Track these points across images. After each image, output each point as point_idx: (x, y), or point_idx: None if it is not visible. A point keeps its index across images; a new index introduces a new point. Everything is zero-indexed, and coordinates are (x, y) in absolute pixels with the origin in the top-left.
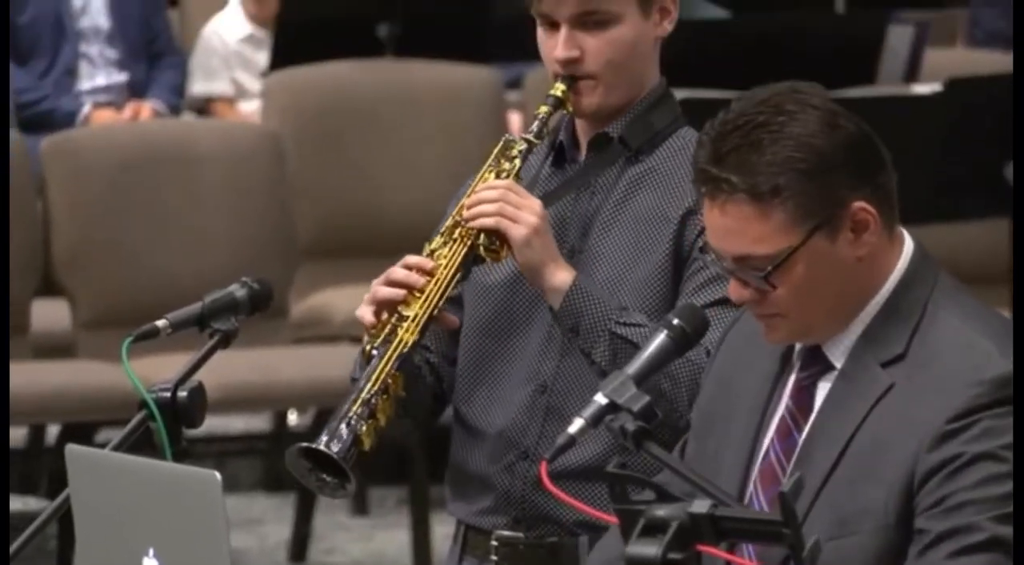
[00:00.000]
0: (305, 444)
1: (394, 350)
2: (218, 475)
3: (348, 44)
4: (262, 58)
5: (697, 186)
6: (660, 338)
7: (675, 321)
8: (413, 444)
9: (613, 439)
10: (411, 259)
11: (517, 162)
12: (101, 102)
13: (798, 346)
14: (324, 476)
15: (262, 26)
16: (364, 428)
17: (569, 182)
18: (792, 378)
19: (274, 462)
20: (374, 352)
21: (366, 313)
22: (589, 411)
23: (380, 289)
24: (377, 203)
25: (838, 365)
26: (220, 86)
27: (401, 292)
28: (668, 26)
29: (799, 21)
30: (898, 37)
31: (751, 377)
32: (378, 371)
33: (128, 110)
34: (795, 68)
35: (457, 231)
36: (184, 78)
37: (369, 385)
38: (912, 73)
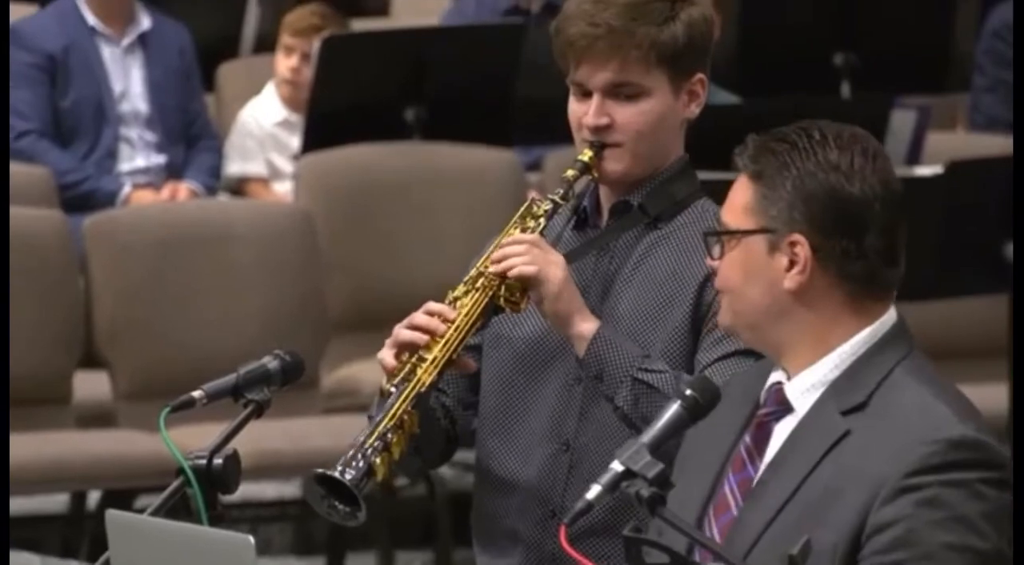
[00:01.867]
0: (320, 470)
1: (412, 389)
2: (252, 539)
3: (376, 128)
4: (295, 141)
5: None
6: (674, 408)
7: (688, 392)
8: (439, 508)
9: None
10: (433, 306)
11: (542, 221)
12: (140, 183)
13: (766, 384)
14: (337, 504)
15: (295, 110)
16: (378, 460)
17: (589, 243)
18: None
19: (305, 527)
20: (392, 389)
21: (387, 356)
22: (606, 478)
23: (402, 332)
24: (404, 279)
25: (797, 408)
26: (255, 167)
27: (423, 337)
28: (695, 109)
29: (806, 105)
30: (901, 121)
31: (725, 419)
32: (395, 408)
33: (166, 191)
34: None
35: (480, 281)
36: (220, 160)
37: (386, 420)
38: (915, 156)
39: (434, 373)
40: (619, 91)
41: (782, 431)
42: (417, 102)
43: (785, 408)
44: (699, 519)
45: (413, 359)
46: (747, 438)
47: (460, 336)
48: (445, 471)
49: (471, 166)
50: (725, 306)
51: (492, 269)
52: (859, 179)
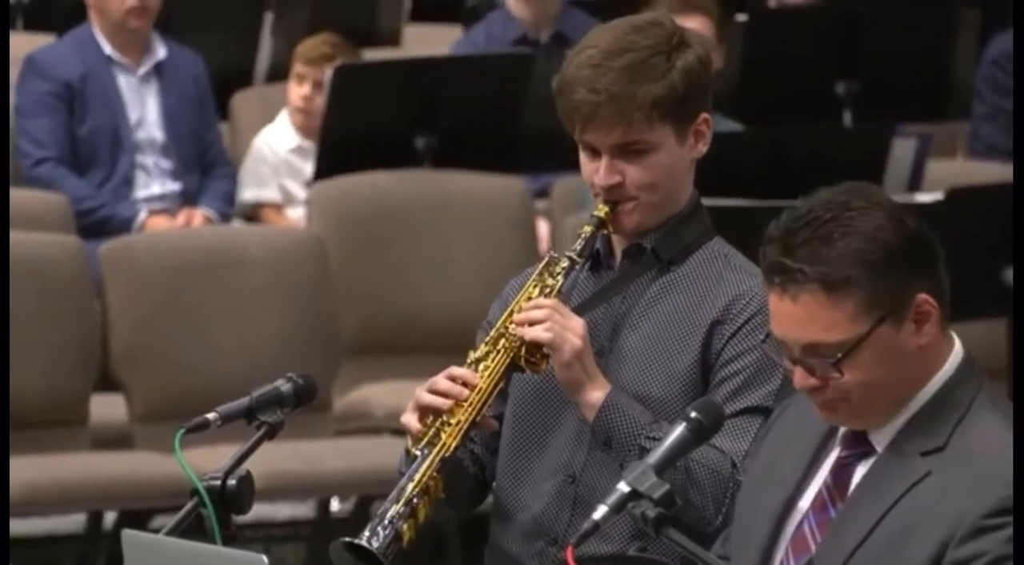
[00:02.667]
0: (349, 539)
1: (437, 453)
2: (265, 559)
3: (388, 155)
4: (308, 167)
5: (768, 278)
6: (679, 430)
7: (693, 414)
8: (450, 531)
9: (636, 526)
10: (456, 371)
11: (560, 279)
12: (156, 209)
13: (841, 429)
14: None
15: (308, 138)
16: (405, 526)
17: (604, 292)
18: (833, 456)
19: (317, 547)
20: (417, 453)
21: (411, 420)
22: (613, 498)
23: (424, 396)
24: (414, 303)
25: (879, 449)
26: (269, 193)
27: (446, 402)
28: (703, 147)
29: (809, 134)
30: (902, 149)
31: (787, 456)
32: (420, 473)
33: (181, 217)
34: (804, 178)
35: (501, 342)
36: (234, 186)
37: (412, 486)
38: (916, 182)
39: (458, 437)
40: (627, 149)
41: (863, 471)
42: (427, 130)
43: (867, 449)
44: (768, 555)
45: (437, 423)
46: (828, 478)
47: (483, 399)
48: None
49: (480, 193)
50: (843, 409)
51: (513, 329)
52: (905, 217)
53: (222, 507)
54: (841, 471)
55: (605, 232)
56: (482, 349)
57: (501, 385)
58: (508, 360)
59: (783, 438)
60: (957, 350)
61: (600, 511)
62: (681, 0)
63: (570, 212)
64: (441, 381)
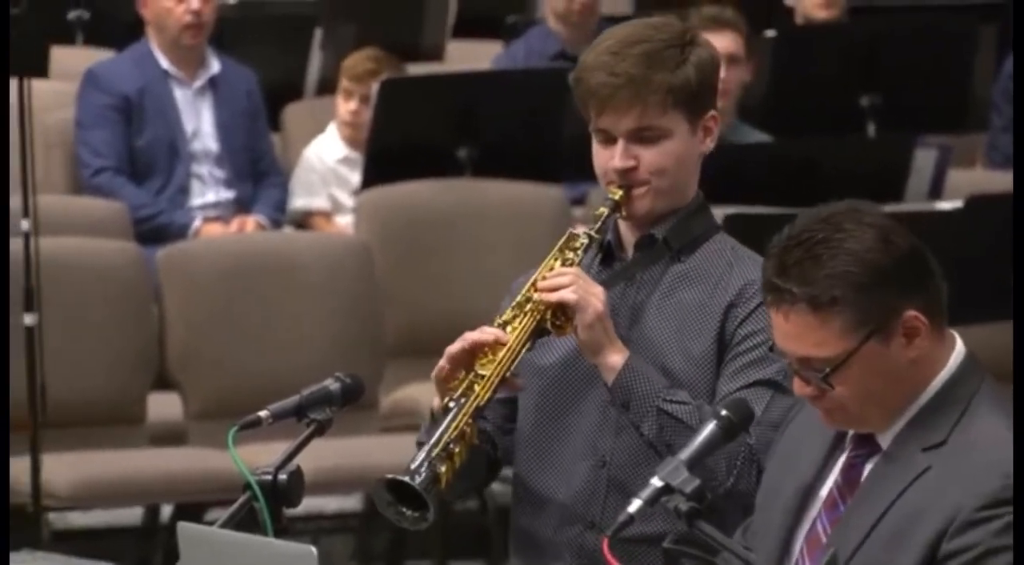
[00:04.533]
0: (390, 476)
1: (471, 403)
2: (314, 550)
3: (431, 165)
4: (356, 177)
5: (764, 294)
6: (711, 427)
7: (724, 412)
8: (490, 522)
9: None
10: (487, 329)
11: (580, 253)
12: (211, 217)
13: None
14: (404, 509)
15: (356, 149)
16: (443, 468)
17: (620, 273)
18: (843, 457)
19: (365, 538)
20: (451, 404)
21: (441, 372)
22: (646, 492)
23: (455, 345)
24: (455, 307)
25: (885, 447)
26: (318, 202)
27: (483, 335)
28: (710, 144)
29: (834, 144)
30: (923, 159)
31: (803, 456)
32: (457, 420)
33: (235, 224)
34: (830, 187)
35: (528, 306)
36: (285, 195)
37: (449, 431)
38: (936, 191)
39: (490, 390)
40: (642, 135)
41: (872, 468)
42: (469, 141)
43: (874, 449)
44: (783, 554)
45: (470, 376)
46: (838, 478)
47: (512, 356)
48: (496, 487)
49: (519, 201)
50: (840, 416)
51: (538, 296)
52: (894, 236)
53: (273, 501)
54: (850, 471)
55: (619, 215)
56: (508, 313)
57: (529, 345)
58: (534, 323)
59: (799, 435)
60: (958, 350)
61: (634, 504)
62: (711, 17)
63: None
64: (471, 334)
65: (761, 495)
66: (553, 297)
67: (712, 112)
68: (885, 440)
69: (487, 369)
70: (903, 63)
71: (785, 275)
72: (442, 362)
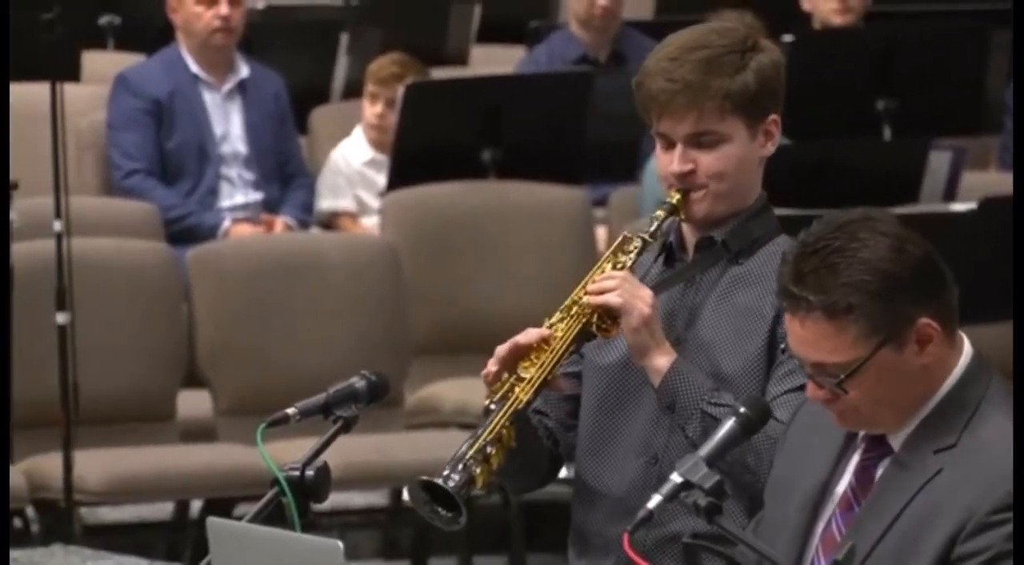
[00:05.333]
0: (426, 478)
1: (510, 406)
2: (341, 544)
3: (455, 168)
4: (382, 179)
5: (780, 300)
6: (730, 424)
7: (742, 409)
8: (512, 517)
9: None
10: (532, 330)
11: (633, 256)
12: (239, 218)
13: (861, 431)
14: (439, 509)
15: (381, 151)
16: (478, 470)
17: (676, 275)
18: (856, 458)
19: (391, 533)
20: (492, 406)
21: (489, 371)
22: (666, 488)
23: (501, 347)
24: (480, 306)
25: (896, 449)
26: (345, 203)
27: (527, 336)
28: (771, 147)
29: (851, 147)
30: (938, 161)
31: (815, 452)
32: (495, 423)
33: (264, 225)
34: (847, 189)
35: (574, 309)
36: (312, 197)
37: (486, 434)
38: (951, 193)
39: (531, 392)
40: (700, 140)
41: (883, 471)
42: (493, 144)
43: (886, 450)
44: (801, 553)
45: (512, 379)
46: (852, 480)
47: (555, 358)
48: None
49: (542, 202)
50: (853, 419)
51: (585, 299)
52: (908, 245)
53: (301, 496)
54: (864, 473)
55: (677, 219)
56: (556, 316)
57: (573, 348)
58: (580, 325)
59: (808, 430)
60: (966, 352)
61: (654, 500)
62: (732, 23)
63: (627, 220)
64: (518, 337)
65: (770, 489)
66: (598, 300)
67: (773, 116)
68: (897, 442)
69: (529, 372)
70: (918, 67)
71: (801, 283)
72: (489, 364)
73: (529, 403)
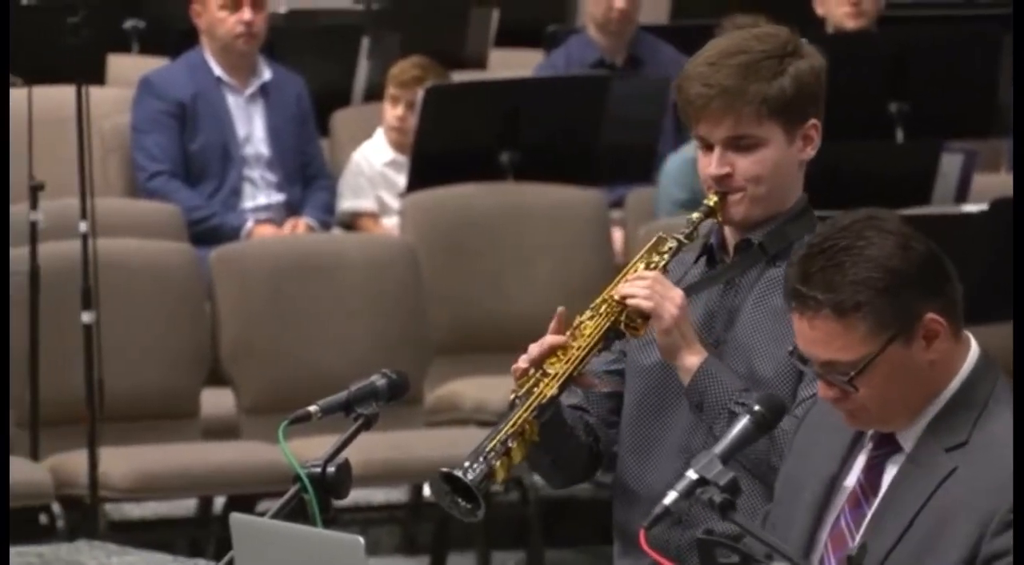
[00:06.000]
0: (446, 469)
1: (534, 400)
2: (362, 540)
3: (474, 169)
4: (402, 180)
5: (787, 301)
6: (744, 422)
7: (756, 407)
8: (531, 513)
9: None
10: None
11: (666, 257)
12: (262, 219)
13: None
14: (459, 500)
15: (402, 153)
16: (498, 464)
17: (713, 277)
18: (864, 455)
19: (411, 529)
20: (516, 400)
21: (518, 366)
22: (682, 485)
23: (533, 346)
24: (498, 305)
25: (907, 448)
26: (366, 204)
27: (551, 344)
28: (811, 151)
29: (864, 150)
30: (950, 164)
31: (823, 450)
32: (517, 416)
33: (287, 226)
34: (861, 190)
35: (603, 307)
36: (334, 198)
37: (507, 427)
38: (962, 195)
39: (555, 387)
40: (738, 143)
41: (893, 469)
42: (511, 146)
43: (894, 448)
44: (808, 550)
45: (538, 374)
46: (860, 477)
47: (582, 354)
48: (537, 478)
49: (559, 204)
50: (862, 417)
51: (616, 297)
52: (913, 242)
53: (322, 492)
54: (871, 470)
55: (715, 221)
56: (586, 314)
57: (600, 345)
58: (608, 323)
59: (818, 429)
60: (973, 350)
61: (670, 497)
62: (745, 27)
63: (643, 221)
64: (547, 337)
65: (779, 486)
66: (629, 302)
67: (813, 121)
68: (906, 441)
69: (555, 368)
70: (930, 71)
71: (809, 282)
72: (519, 360)
73: (553, 398)
